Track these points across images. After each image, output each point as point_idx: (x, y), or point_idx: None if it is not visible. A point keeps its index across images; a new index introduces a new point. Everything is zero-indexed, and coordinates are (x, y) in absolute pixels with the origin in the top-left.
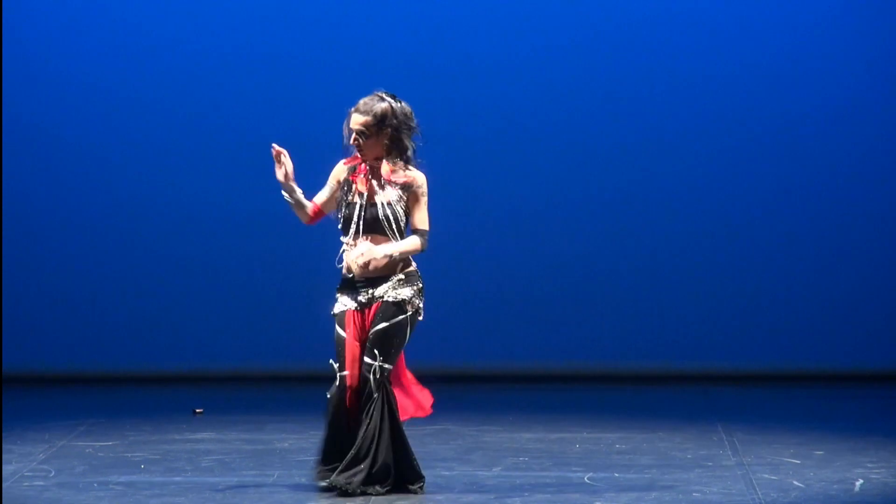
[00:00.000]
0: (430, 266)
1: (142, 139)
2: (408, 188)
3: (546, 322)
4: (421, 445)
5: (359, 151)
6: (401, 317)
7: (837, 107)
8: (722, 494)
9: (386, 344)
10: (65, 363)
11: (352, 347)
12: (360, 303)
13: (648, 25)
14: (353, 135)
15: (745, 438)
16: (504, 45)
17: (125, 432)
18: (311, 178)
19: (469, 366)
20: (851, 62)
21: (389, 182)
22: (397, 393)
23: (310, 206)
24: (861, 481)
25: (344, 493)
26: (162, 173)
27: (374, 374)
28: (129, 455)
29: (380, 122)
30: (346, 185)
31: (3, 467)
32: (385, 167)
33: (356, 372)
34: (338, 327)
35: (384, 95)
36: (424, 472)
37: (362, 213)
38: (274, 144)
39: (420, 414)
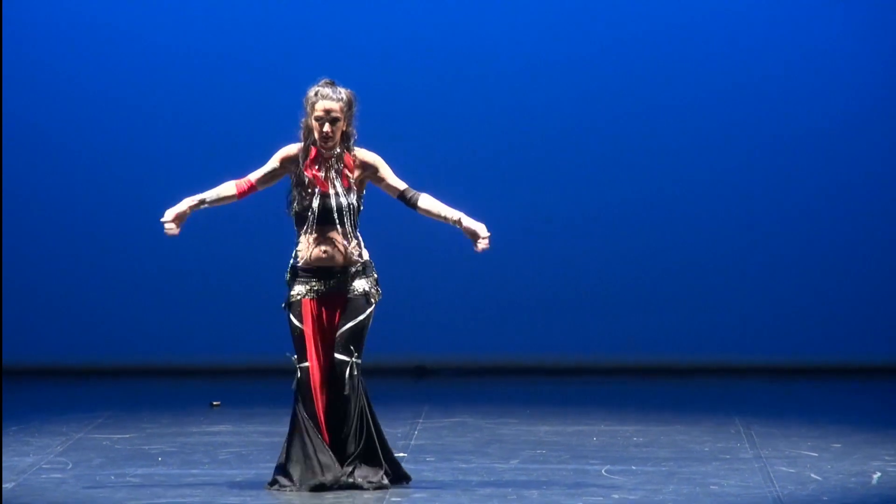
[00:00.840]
0: (448, 261)
1: (147, 132)
2: (371, 168)
3: (564, 315)
4: (437, 438)
5: (326, 142)
6: (368, 310)
7: (840, 106)
8: (739, 487)
9: (360, 339)
10: (83, 356)
11: (311, 338)
12: (316, 292)
13: (656, 31)
14: (327, 123)
15: (763, 431)
16: (534, 46)
17: (142, 425)
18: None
19: (487, 359)
20: (852, 64)
21: (352, 170)
22: None
23: (230, 189)
24: (879, 474)
25: (357, 487)
26: (175, 161)
27: (351, 370)
28: (147, 447)
29: (348, 108)
30: (299, 177)
31: (21, 459)
32: (344, 155)
33: (320, 364)
34: (293, 318)
35: (333, 82)
36: (414, 467)
37: (318, 205)
38: (163, 220)
39: None
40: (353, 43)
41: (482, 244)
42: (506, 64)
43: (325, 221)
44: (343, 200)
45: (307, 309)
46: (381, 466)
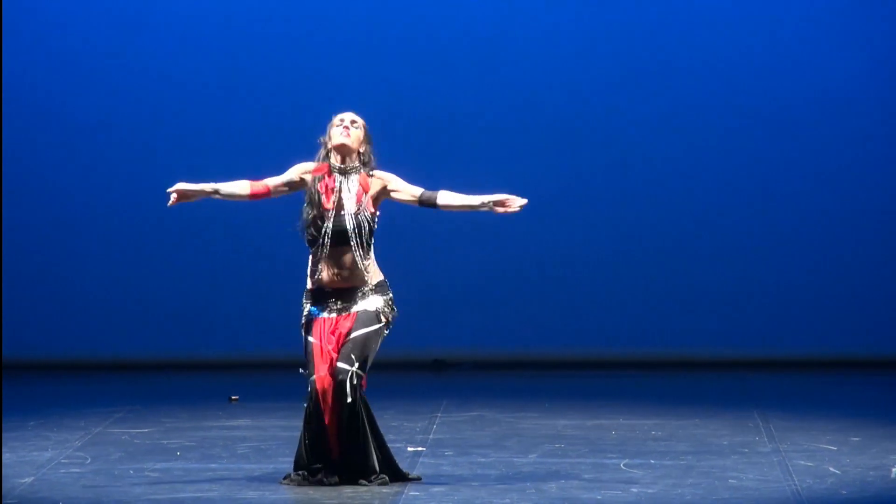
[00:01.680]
0: (466, 255)
1: (151, 124)
2: (384, 184)
3: (582, 309)
4: (456, 432)
5: (347, 138)
6: (377, 325)
7: (839, 98)
8: (758, 481)
9: (364, 350)
10: (102, 351)
11: (320, 350)
12: (331, 311)
13: (653, 21)
14: (348, 122)
15: (781, 425)
16: (535, 43)
17: (161, 419)
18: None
19: (505, 353)
20: (852, 54)
21: (366, 189)
22: None
23: (244, 188)
24: None
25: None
26: (185, 151)
27: (351, 379)
28: (165, 442)
29: (365, 129)
30: (314, 196)
31: (41, 454)
32: (360, 174)
33: (326, 374)
34: (306, 335)
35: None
36: (413, 465)
37: (331, 226)
38: (170, 191)
39: None
40: (353, 42)
41: (518, 202)
42: (504, 60)
43: (338, 242)
44: (356, 220)
45: (319, 323)
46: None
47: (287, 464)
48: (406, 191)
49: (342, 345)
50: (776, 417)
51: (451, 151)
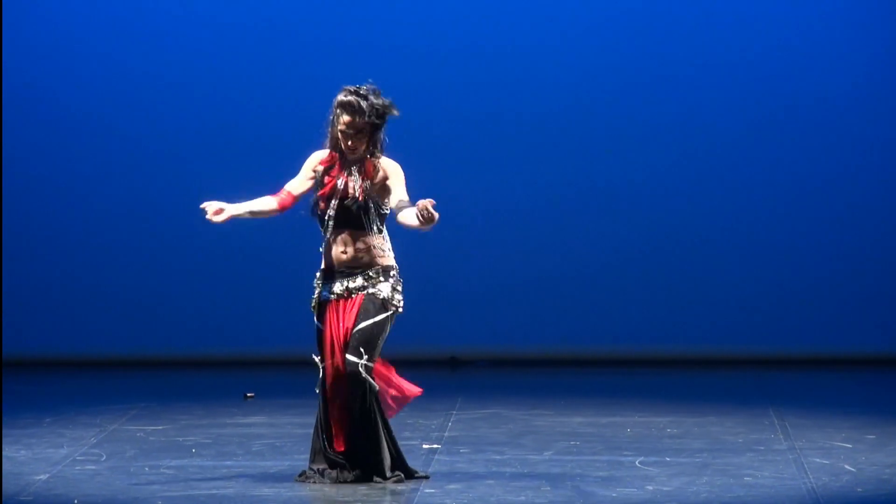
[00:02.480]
0: (482, 252)
1: (153, 121)
2: (384, 175)
3: (598, 307)
4: (471, 430)
5: (351, 152)
6: (383, 315)
7: (844, 97)
8: (773, 479)
9: (371, 341)
10: (117, 347)
11: (330, 338)
12: (337, 294)
13: (657, 20)
14: (350, 138)
15: (797, 422)
16: (527, 35)
17: (176, 416)
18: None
19: (520, 350)
20: (856, 56)
21: (371, 176)
22: (384, 386)
23: (270, 203)
24: None
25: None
26: (191, 153)
27: (362, 372)
28: (181, 439)
29: (376, 118)
30: (322, 180)
31: (56, 451)
32: (366, 160)
33: (337, 361)
34: (317, 321)
35: (367, 92)
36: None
37: (336, 207)
38: (204, 206)
39: (410, 396)
40: (354, 41)
41: (426, 205)
42: (508, 57)
43: (343, 224)
44: (359, 202)
45: (326, 310)
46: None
47: (302, 461)
48: (395, 193)
49: (350, 334)
50: (791, 415)
51: (460, 151)
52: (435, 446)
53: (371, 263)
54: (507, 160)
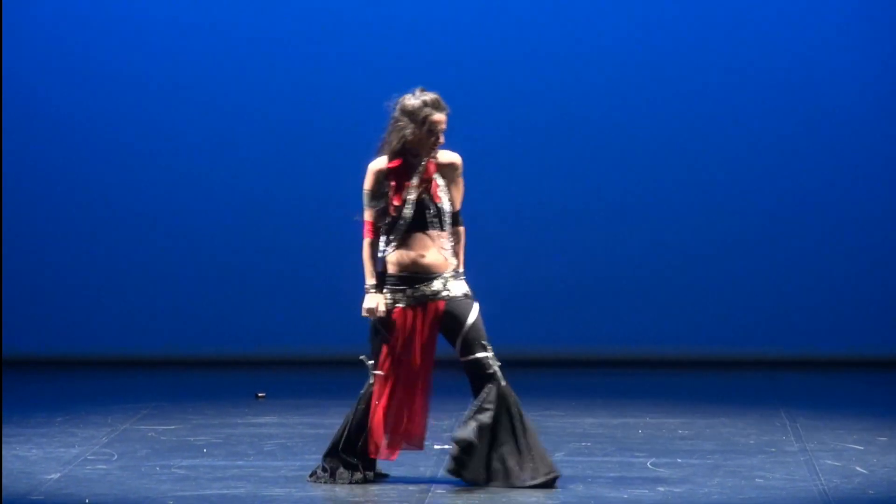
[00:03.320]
0: (493, 254)
1: (158, 118)
2: (451, 169)
3: (609, 307)
4: None
5: (434, 152)
6: (476, 305)
7: (847, 100)
8: (785, 480)
9: (483, 330)
10: (128, 347)
11: (394, 346)
12: (415, 299)
13: (670, 27)
14: (440, 136)
15: (808, 424)
16: (552, 43)
17: (188, 416)
18: (313, 174)
19: (531, 351)
20: (859, 59)
21: (435, 173)
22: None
23: (368, 248)
24: None
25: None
26: (198, 150)
27: (495, 363)
28: (192, 439)
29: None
30: (389, 186)
31: (67, 450)
32: (427, 162)
33: (398, 372)
34: (381, 325)
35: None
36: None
37: (412, 212)
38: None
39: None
40: (357, 40)
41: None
42: (518, 57)
43: (417, 227)
44: (435, 204)
45: (398, 317)
46: (530, 463)
47: (313, 461)
48: (458, 191)
49: (461, 336)
50: (803, 417)
51: (470, 153)
52: (446, 447)
53: (443, 267)
54: (513, 162)
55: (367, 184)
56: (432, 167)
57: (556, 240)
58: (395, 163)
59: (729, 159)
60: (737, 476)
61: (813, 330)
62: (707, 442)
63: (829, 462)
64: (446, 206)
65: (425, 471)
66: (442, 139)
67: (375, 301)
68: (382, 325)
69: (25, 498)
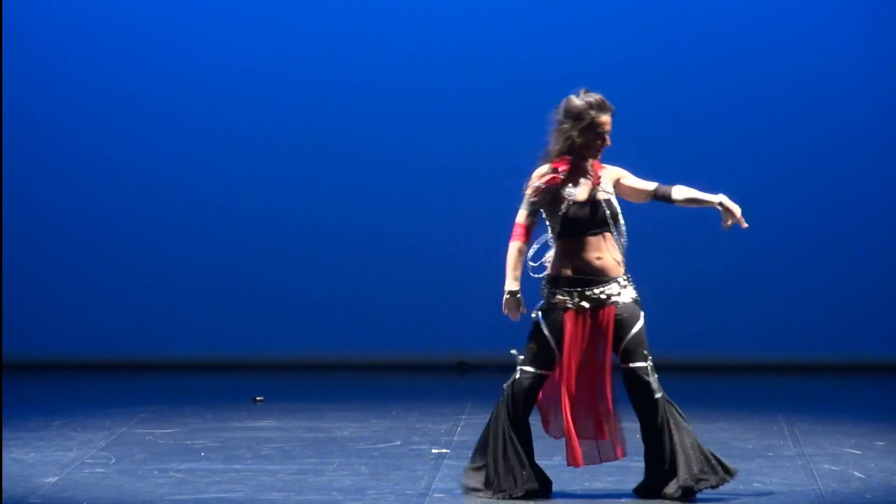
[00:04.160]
0: (489, 258)
1: (154, 121)
2: (614, 175)
3: None
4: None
5: (600, 154)
6: (643, 315)
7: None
8: (783, 485)
9: (645, 340)
10: (126, 350)
11: (569, 353)
12: (587, 298)
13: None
14: (607, 137)
15: (806, 429)
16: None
17: (185, 420)
18: (312, 179)
19: None
20: (863, 67)
21: (599, 180)
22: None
23: (516, 252)
24: None
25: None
26: (201, 153)
27: (653, 373)
28: (190, 442)
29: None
30: (561, 187)
31: (65, 454)
32: (592, 164)
33: (569, 377)
34: (545, 327)
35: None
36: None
37: (586, 214)
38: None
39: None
40: (357, 43)
41: (734, 222)
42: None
43: (590, 229)
44: (605, 207)
45: (565, 321)
46: (679, 474)
47: (311, 464)
48: (638, 184)
49: (623, 344)
50: (801, 421)
51: (466, 159)
52: (444, 451)
53: (617, 271)
54: (518, 163)
55: (529, 188)
56: (598, 168)
57: None
58: (562, 165)
59: (726, 165)
60: (735, 480)
61: (811, 335)
62: (705, 446)
63: (827, 467)
64: (617, 208)
65: (422, 475)
66: (608, 141)
67: (513, 307)
68: (549, 329)
69: (23, 501)
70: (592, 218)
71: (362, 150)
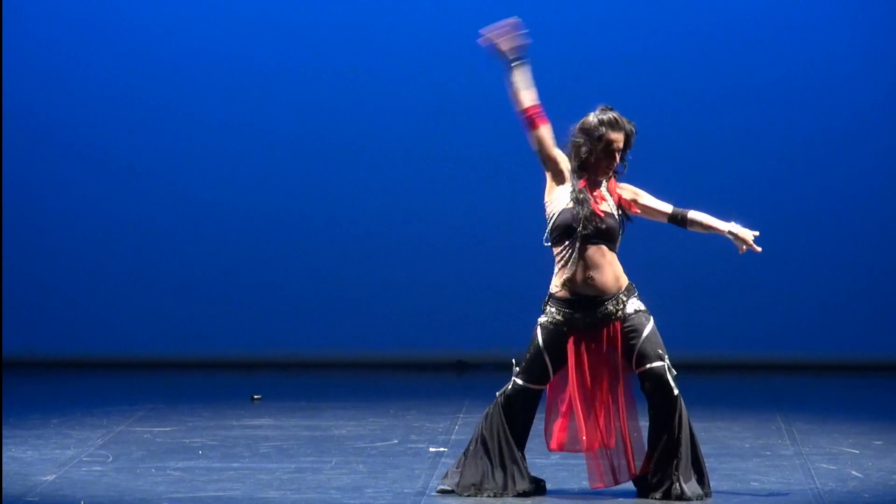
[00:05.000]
0: (487, 257)
1: (159, 117)
2: (630, 195)
3: None
4: None
5: (609, 172)
6: (652, 320)
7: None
8: (780, 484)
9: (659, 342)
10: (124, 349)
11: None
12: (585, 320)
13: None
14: (616, 154)
15: (804, 428)
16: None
17: (183, 418)
18: (308, 177)
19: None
20: (862, 65)
21: (613, 192)
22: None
23: (531, 100)
24: None
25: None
26: (198, 152)
27: (670, 371)
28: (187, 441)
29: (628, 139)
30: (578, 195)
31: (62, 452)
32: (608, 182)
33: (581, 398)
34: (541, 339)
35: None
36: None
37: (592, 227)
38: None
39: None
40: (358, 43)
41: (748, 248)
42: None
43: (594, 243)
44: (615, 221)
45: (570, 337)
46: (702, 474)
47: (309, 463)
48: (655, 204)
49: (637, 349)
50: (799, 420)
51: (455, 156)
52: (442, 450)
53: (617, 288)
54: (517, 163)
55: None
56: (613, 186)
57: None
58: (580, 183)
59: (722, 164)
60: (732, 479)
61: (810, 334)
62: (703, 445)
63: (825, 466)
64: (618, 223)
65: (420, 473)
66: (618, 159)
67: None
68: (545, 344)
69: (21, 499)
70: (596, 231)
71: (361, 147)
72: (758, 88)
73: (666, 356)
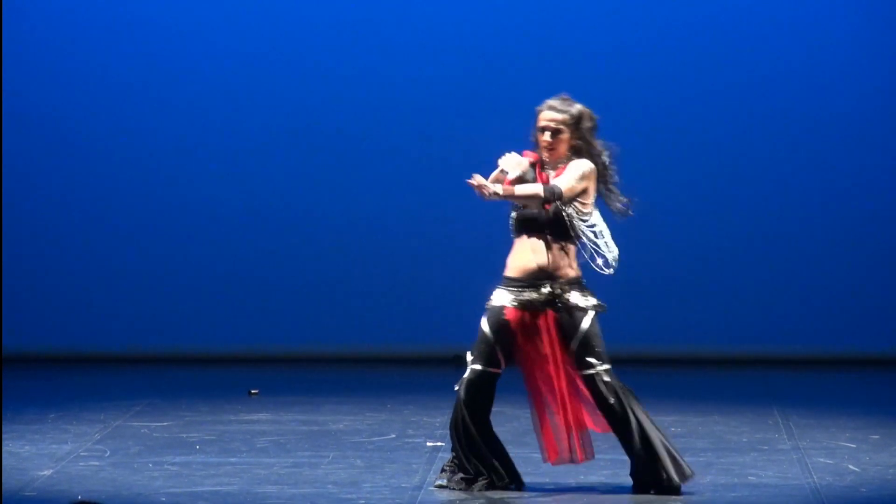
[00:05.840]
0: (485, 251)
1: (157, 115)
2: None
3: None
4: None
5: (549, 150)
6: (587, 318)
7: (851, 102)
8: (777, 478)
9: (593, 348)
10: (121, 343)
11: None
12: (522, 302)
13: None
14: (548, 133)
15: (801, 422)
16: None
17: (181, 413)
18: (307, 173)
19: None
20: (861, 59)
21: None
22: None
23: (536, 185)
24: None
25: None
26: (196, 148)
27: (601, 378)
28: (185, 436)
29: (575, 122)
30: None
31: (60, 447)
32: (561, 166)
33: (531, 375)
34: (484, 322)
35: (569, 97)
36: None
37: (527, 212)
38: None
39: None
40: (357, 42)
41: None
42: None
43: (531, 229)
44: (561, 212)
45: (508, 317)
46: (663, 470)
47: (306, 457)
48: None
49: (568, 353)
50: (796, 415)
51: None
52: (439, 444)
53: (556, 275)
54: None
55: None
56: (560, 171)
57: None
58: (532, 156)
59: (722, 160)
60: (729, 474)
61: (807, 328)
62: (700, 440)
63: (822, 460)
64: (569, 211)
65: (417, 468)
66: (546, 137)
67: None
68: (488, 325)
69: (18, 494)
70: (533, 218)
71: (358, 144)
72: (755, 85)
73: (601, 359)
